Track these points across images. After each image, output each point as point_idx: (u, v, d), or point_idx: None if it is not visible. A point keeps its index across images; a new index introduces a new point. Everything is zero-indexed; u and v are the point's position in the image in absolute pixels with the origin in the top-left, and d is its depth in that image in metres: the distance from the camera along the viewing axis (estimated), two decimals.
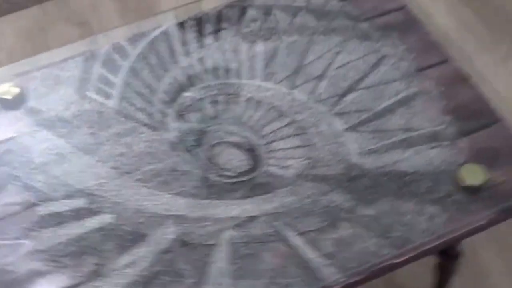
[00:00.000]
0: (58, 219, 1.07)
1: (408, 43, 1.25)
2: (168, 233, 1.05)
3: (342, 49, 1.25)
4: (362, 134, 1.14)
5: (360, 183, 1.09)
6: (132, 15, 1.44)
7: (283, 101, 1.19)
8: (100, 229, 1.06)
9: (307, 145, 1.14)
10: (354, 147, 1.13)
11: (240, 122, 1.18)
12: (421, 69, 1.21)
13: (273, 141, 1.15)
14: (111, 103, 1.22)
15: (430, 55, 1.24)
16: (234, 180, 1.11)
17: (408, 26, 1.27)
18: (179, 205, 1.09)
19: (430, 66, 1.21)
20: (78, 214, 1.08)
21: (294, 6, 1.33)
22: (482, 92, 1.19)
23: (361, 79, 1.21)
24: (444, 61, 1.22)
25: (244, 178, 1.11)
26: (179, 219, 1.07)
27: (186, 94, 1.22)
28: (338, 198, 1.08)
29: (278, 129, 1.16)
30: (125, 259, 1.03)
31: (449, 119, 1.15)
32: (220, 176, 1.11)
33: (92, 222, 1.07)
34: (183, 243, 1.04)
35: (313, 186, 1.09)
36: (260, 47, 1.27)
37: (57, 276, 1.02)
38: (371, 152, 1.12)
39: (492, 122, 1.15)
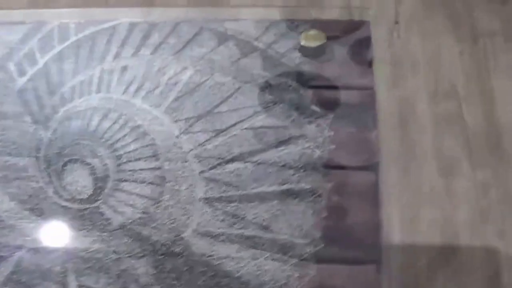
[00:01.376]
0: None
1: (339, 131, 1.09)
2: None
3: (265, 110, 1.14)
4: (215, 211, 1.04)
5: (173, 262, 1.00)
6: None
7: (165, 142, 1.12)
8: None
9: (154, 200, 1.06)
10: (196, 222, 1.04)
11: (110, 147, 1.14)
12: (328, 166, 1.06)
13: (126, 180, 1.10)
14: (20, 81, 1.25)
15: (353, 154, 1.07)
16: (65, 203, 1.08)
17: (356, 111, 1.11)
18: (1, 206, 1.10)
19: (341, 167, 1.06)
20: None
21: (252, 45, 1.24)
22: (380, 223, 1.02)
23: (258, 151, 1.09)
24: (363, 168, 1.06)
25: (73, 206, 1.07)
26: None
27: (85, 98, 1.21)
28: (141, 267, 1.00)
29: (140, 169, 1.10)
30: None
31: (316, 237, 1.00)
32: (56, 193, 1.09)
33: None
34: None
35: (127, 244, 1.02)
36: (186, 77, 1.20)
37: None
38: (208, 235, 1.02)
39: (362, 261, 0.98)
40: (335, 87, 1.16)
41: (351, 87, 1.16)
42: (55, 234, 1.05)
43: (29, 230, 1.05)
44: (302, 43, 1.20)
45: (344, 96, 1.15)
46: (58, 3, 1.35)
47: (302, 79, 1.18)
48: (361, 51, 1.19)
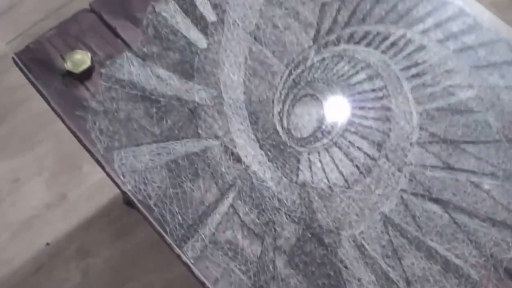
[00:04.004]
0: None
1: None
2: None
3: None
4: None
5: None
6: None
7: (397, 134, 1.19)
8: None
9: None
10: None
11: (350, 98, 1.21)
12: None
13: (344, 140, 1.17)
14: None
15: None
16: (279, 128, 1.19)
17: None
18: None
19: None
20: None
21: None
22: None
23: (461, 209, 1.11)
24: None
25: (281, 137, 1.19)
26: None
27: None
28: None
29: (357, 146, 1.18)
30: None
31: None
32: (278, 116, 1.21)
33: None
34: None
35: (287, 205, 1.13)
36: (464, 95, 1.22)
37: None
38: None
39: None
40: None
41: None
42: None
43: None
44: None
45: None
46: None
47: None
48: None
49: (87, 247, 1.70)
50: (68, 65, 1.22)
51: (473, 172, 1.13)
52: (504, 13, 1.42)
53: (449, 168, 1.13)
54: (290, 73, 1.22)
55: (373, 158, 1.14)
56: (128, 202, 1.65)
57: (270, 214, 1.11)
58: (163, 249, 1.60)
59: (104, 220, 1.74)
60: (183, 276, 1.60)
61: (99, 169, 1.18)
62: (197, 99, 1.20)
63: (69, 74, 1.22)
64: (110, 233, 1.73)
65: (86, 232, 1.72)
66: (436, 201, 1.11)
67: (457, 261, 1.07)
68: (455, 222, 1.09)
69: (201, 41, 1.26)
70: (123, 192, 1.15)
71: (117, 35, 1.27)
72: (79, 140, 1.19)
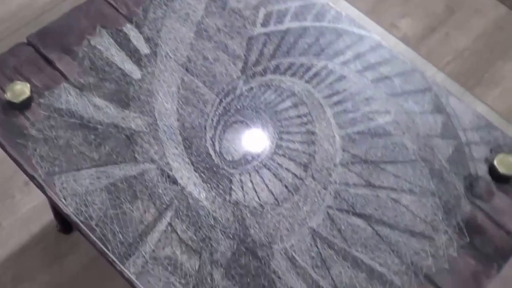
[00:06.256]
0: None
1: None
2: None
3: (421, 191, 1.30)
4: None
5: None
6: None
7: (322, 162, 1.33)
8: None
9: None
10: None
11: (277, 128, 1.36)
12: None
13: (271, 163, 1.32)
14: (257, 30, 1.50)
15: None
16: (212, 152, 1.33)
17: None
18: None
19: None
20: None
21: (455, 132, 1.39)
22: None
23: (390, 225, 1.27)
24: None
25: (215, 160, 1.32)
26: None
27: (290, 79, 1.43)
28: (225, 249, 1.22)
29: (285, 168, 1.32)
30: None
31: None
32: (211, 140, 1.34)
33: None
34: None
35: (220, 222, 1.26)
36: (382, 120, 1.38)
37: None
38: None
39: None
40: None
41: None
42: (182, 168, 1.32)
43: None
44: None
45: None
46: None
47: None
48: None
49: (23, 273, 1.79)
50: (8, 96, 1.33)
51: (393, 189, 1.29)
52: (415, 47, 1.59)
53: (371, 185, 1.29)
54: (220, 102, 1.37)
55: (300, 178, 1.29)
56: (61, 229, 1.74)
57: (206, 231, 1.23)
58: (98, 271, 1.69)
59: (38, 246, 1.82)
60: None
61: (32, 197, 1.28)
62: (133, 126, 1.33)
63: (9, 104, 1.33)
64: (45, 259, 1.82)
65: (22, 258, 1.81)
66: (360, 215, 1.26)
67: (381, 269, 1.21)
68: (378, 234, 1.24)
69: (135, 72, 1.39)
70: (59, 217, 1.25)
71: (54, 67, 1.40)
72: (20, 166, 1.29)
